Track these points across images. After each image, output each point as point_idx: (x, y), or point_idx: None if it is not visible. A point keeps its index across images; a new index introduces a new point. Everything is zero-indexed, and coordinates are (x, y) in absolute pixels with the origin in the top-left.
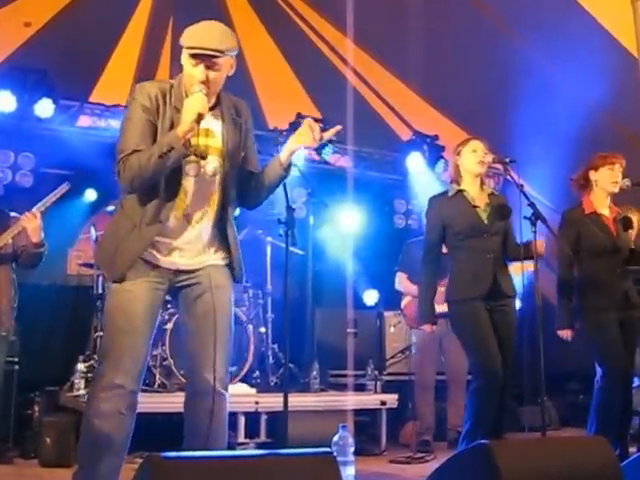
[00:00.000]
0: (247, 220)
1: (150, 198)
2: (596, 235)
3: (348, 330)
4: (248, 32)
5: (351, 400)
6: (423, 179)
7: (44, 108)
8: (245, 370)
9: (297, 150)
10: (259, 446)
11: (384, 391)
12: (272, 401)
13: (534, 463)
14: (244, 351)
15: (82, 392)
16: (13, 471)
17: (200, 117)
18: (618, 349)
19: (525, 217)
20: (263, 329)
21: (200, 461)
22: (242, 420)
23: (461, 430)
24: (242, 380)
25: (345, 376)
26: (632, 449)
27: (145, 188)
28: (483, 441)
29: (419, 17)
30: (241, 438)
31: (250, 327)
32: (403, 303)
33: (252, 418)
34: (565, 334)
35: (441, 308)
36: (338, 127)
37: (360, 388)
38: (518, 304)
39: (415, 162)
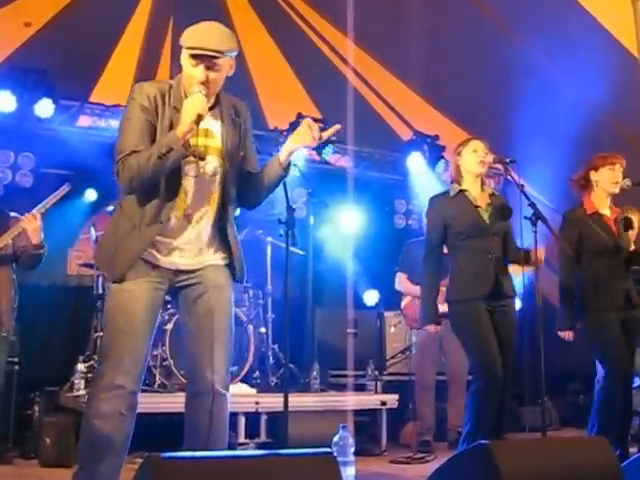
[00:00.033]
0: (247, 220)
1: (149, 198)
2: (598, 235)
3: (348, 330)
4: (248, 32)
5: (351, 400)
6: (423, 179)
7: (44, 108)
8: (245, 370)
9: (296, 150)
10: (259, 446)
11: (384, 391)
12: (272, 401)
13: (534, 463)
14: (244, 351)
15: (82, 392)
16: (13, 471)
17: (199, 118)
18: (620, 349)
19: (526, 217)
20: (263, 329)
21: (200, 461)
22: (242, 420)
23: (461, 430)
24: (242, 380)
25: (345, 376)
26: (632, 449)
27: (144, 188)
28: (483, 441)
29: (419, 17)
30: (241, 438)
31: (250, 327)
32: (403, 303)
33: (252, 418)
34: (566, 335)
35: (441, 308)
36: (337, 126)
37: (360, 388)
38: (519, 304)
39: (415, 162)
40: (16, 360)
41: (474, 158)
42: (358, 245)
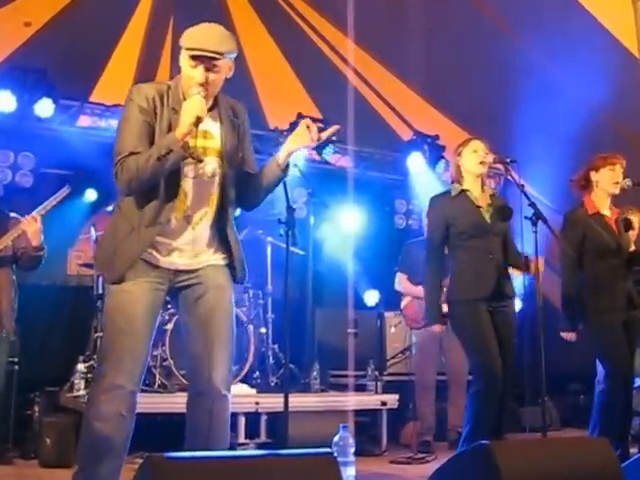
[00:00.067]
0: (247, 220)
1: (148, 200)
2: (601, 236)
3: (348, 330)
4: (248, 32)
5: (351, 400)
6: (424, 179)
7: (44, 108)
8: (245, 370)
9: (295, 151)
10: (259, 446)
11: (385, 391)
12: (272, 401)
13: (535, 464)
14: (244, 351)
15: (82, 392)
16: (13, 472)
17: (199, 120)
18: (621, 350)
19: (526, 217)
20: (263, 329)
21: (200, 461)
22: (242, 420)
23: (461, 430)
24: (242, 380)
25: (346, 376)
26: (633, 450)
27: (143, 190)
28: (484, 441)
29: (419, 17)
30: (241, 438)
31: (250, 327)
32: (403, 304)
33: (252, 418)
34: (569, 336)
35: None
36: (336, 127)
37: (361, 388)
38: (519, 305)
39: (416, 162)
40: (16, 360)
41: (474, 158)
42: (358, 245)
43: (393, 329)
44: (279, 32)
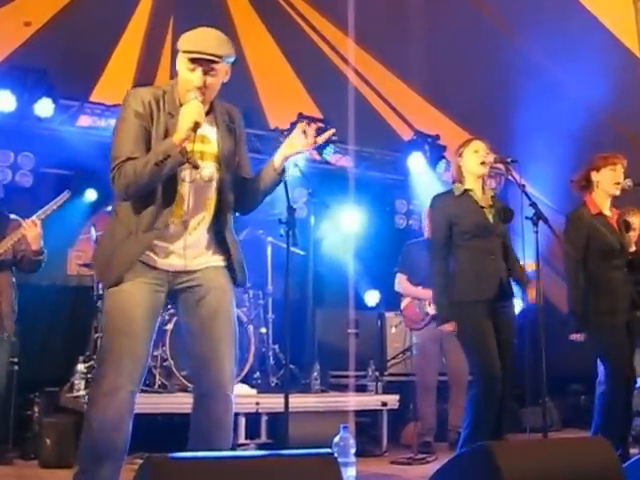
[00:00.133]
0: (248, 220)
1: (145, 205)
2: (605, 236)
3: (349, 331)
4: (249, 32)
5: (352, 401)
6: (424, 179)
7: (44, 108)
8: (246, 371)
9: (291, 156)
10: (260, 447)
11: (385, 392)
12: (273, 402)
13: (535, 464)
14: (245, 352)
15: (82, 393)
16: (13, 472)
17: (197, 125)
18: (624, 350)
19: (527, 217)
20: (264, 330)
21: (200, 462)
22: (243, 421)
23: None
24: (243, 381)
25: (346, 377)
26: (634, 450)
27: (140, 195)
28: (484, 442)
29: (420, 17)
30: (242, 439)
31: (251, 328)
32: (403, 305)
33: (253, 419)
34: (579, 337)
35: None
36: (331, 131)
37: (361, 389)
38: (520, 305)
39: (416, 162)
40: (16, 360)
41: (475, 159)
42: (359, 245)
43: (394, 329)
44: (279, 32)
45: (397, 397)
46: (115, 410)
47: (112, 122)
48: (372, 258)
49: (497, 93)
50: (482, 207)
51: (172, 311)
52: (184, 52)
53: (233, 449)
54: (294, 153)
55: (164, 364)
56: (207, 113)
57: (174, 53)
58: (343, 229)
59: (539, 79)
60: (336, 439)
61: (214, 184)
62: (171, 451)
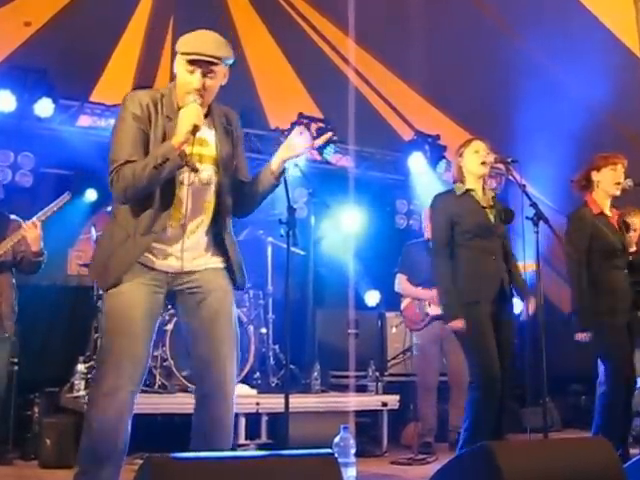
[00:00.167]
0: (248, 220)
1: (144, 208)
2: (607, 236)
3: (349, 331)
4: (249, 32)
5: (352, 401)
6: (425, 179)
7: (44, 108)
8: (246, 371)
9: (288, 159)
10: (260, 447)
11: (385, 392)
12: (273, 402)
13: (536, 464)
14: (245, 352)
15: (82, 393)
16: (13, 472)
17: (196, 128)
18: (624, 350)
19: (527, 217)
20: (264, 330)
21: (200, 462)
22: (243, 421)
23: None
24: (243, 381)
25: (346, 377)
26: (634, 451)
27: (138, 198)
28: (484, 442)
29: (420, 17)
30: (242, 439)
31: (251, 328)
32: (403, 305)
33: (253, 419)
34: (585, 337)
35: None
36: (329, 134)
37: (361, 389)
38: (520, 305)
39: (417, 162)
40: (16, 361)
41: (476, 159)
42: (359, 245)
43: (394, 329)
44: (280, 32)
45: (397, 397)
46: (115, 410)
47: (112, 122)
48: (372, 258)
49: (497, 93)
50: (483, 207)
51: (172, 311)
52: (183, 54)
53: (233, 449)
54: (292, 156)
55: (164, 364)
56: (205, 116)
57: (174, 53)
58: (343, 229)
59: (539, 79)
60: (336, 439)
61: (212, 187)
62: (171, 451)
